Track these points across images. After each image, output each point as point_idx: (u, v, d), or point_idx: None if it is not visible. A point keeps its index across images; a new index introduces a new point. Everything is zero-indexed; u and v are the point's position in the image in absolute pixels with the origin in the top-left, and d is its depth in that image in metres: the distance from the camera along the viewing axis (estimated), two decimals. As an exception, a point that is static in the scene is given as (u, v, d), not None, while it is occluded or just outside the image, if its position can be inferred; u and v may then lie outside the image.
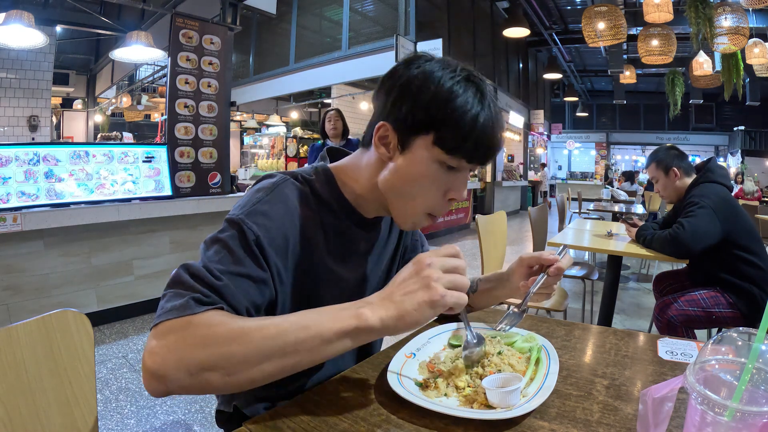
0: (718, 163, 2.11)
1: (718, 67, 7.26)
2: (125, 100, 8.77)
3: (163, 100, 5.38)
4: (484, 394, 0.59)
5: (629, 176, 8.34)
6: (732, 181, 5.81)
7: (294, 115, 11.12)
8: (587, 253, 4.89)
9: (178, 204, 3.06)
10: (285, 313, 0.58)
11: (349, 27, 7.00)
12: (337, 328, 0.53)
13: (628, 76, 9.14)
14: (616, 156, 19.23)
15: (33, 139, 5.83)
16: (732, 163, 15.59)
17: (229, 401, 0.80)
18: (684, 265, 2.28)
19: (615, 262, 2.35)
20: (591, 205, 5.57)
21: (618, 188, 7.32)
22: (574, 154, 19.86)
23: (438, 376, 0.66)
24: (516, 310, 0.77)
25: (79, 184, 2.64)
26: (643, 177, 12.85)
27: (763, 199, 9.40)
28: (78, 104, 9.09)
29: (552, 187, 15.71)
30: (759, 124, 15.01)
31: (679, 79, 9.06)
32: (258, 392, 0.75)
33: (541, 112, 12.91)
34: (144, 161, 2.94)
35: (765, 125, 14.90)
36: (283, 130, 11.06)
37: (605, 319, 2.37)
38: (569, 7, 9.94)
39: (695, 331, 1.95)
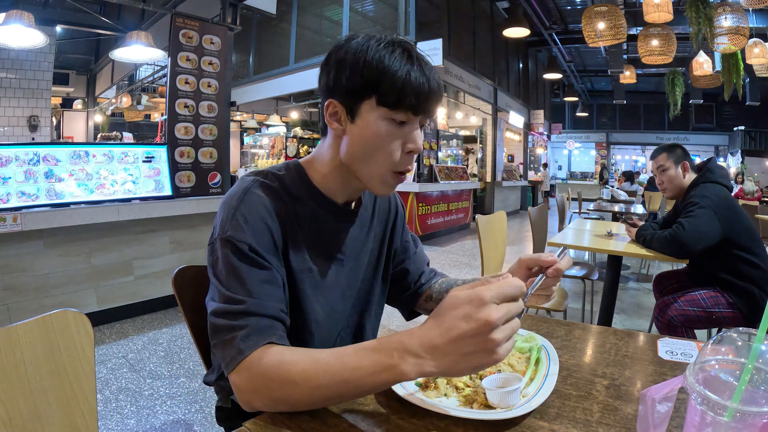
0: (718, 163, 2.11)
1: (718, 67, 7.26)
2: (125, 100, 8.75)
3: (163, 100, 5.38)
4: (484, 394, 0.59)
5: (629, 176, 8.33)
6: (732, 181, 5.82)
7: (294, 115, 11.11)
8: (587, 253, 4.89)
9: (178, 204, 3.06)
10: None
11: (349, 27, 7.01)
12: (376, 383, 0.55)
13: (628, 76, 9.13)
14: (616, 156, 19.24)
15: (33, 139, 5.82)
16: (732, 163, 15.60)
17: (227, 396, 0.80)
18: (684, 265, 2.28)
19: (615, 262, 2.35)
20: (591, 205, 5.56)
21: (618, 188, 7.31)
22: (574, 154, 19.87)
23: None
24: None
25: (79, 184, 2.64)
26: (644, 177, 12.85)
27: (763, 199, 9.39)
28: (78, 104, 9.08)
29: (552, 187, 15.72)
30: (759, 124, 15.02)
31: (679, 79, 9.06)
32: None
33: (541, 112, 12.90)
34: (144, 161, 2.94)
35: (765, 125, 14.91)
36: (283, 130, 11.07)
37: (605, 319, 2.37)
38: (569, 7, 9.94)
39: (695, 331, 1.94)
